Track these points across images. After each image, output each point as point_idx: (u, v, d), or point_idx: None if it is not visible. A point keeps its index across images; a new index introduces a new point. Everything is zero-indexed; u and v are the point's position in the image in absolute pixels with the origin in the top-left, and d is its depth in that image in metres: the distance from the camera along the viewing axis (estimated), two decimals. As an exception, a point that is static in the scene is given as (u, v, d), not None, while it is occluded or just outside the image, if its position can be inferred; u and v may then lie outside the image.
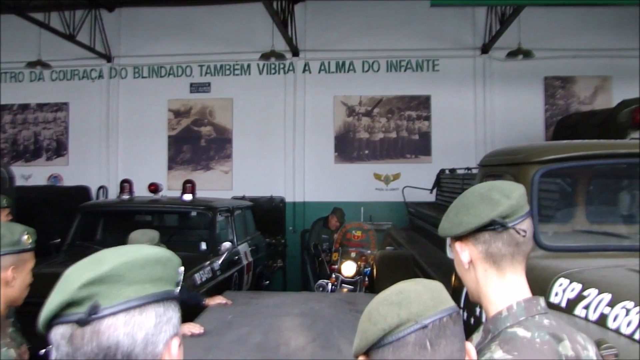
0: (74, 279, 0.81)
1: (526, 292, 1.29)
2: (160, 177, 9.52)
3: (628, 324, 1.97)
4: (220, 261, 5.86)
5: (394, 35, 10.01)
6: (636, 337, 1.91)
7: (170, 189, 9.25)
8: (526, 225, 1.30)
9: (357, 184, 10.02)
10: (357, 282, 6.97)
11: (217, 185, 10.08)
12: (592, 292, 2.22)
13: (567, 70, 9.89)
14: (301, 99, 10.19)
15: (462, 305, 3.15)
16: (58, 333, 0.82)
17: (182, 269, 0.92)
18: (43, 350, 0.85)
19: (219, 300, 4.32)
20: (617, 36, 9.37)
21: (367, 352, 0.98)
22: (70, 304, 0.81)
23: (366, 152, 10.24)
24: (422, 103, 10.15)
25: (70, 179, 10.30)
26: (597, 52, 9.58)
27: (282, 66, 10.25)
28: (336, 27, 10.14)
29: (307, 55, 10.22)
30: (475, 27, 9.98)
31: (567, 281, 2.39)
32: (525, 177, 2.84)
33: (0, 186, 5.36)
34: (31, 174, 10.47)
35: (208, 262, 5.63)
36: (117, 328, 0.81)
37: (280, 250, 9.60)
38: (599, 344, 1.33)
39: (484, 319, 1.34)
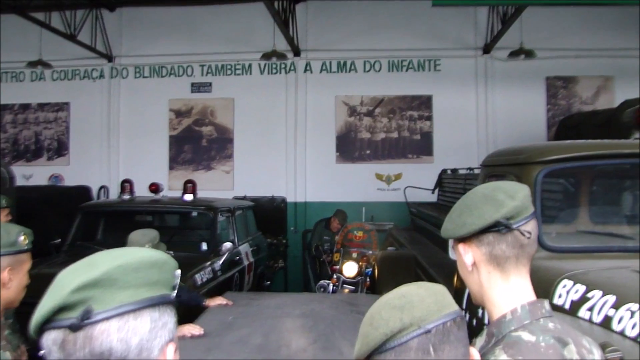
0: (66, 282, 0.79)
1: (531, 295, 1.26)
2: (161, 177, 9.51)
3: (633, 327, 1.94)
4: (221, 261, 5.84)
5: (395, 35, 9.99)
6: (641, 339, 1.88)
7: (172, 189, 9.23)
8: (531, 226, 1.27)
9: (359, 184, 10.00)
10: (358, 282, 6.96)
11: (218, 186, 10.06)
12: (596, 293, 2.19)
13: (569, 70, 9.86)
14: (302, 98, 10.17)
15: (464, 306, 3.12)
16: (50, 338, 0.80)
17: (178, 272, 0.90)
18: (42, 351, 0.82)
19: (219, 301, 4.30)
20: (619, 36, 9.34)
21: (368, 357, 0.95)
22: (62, 309, 0.78)
23: (368, 152, 10.22)
24: (424, 103, 10.13)
25: (71, 179, 10.28)
26: (599, 52, 9.56)
27: (283, 66, 10.23)
28: (337, 27, 10.13)
29: (309, 55, 10.20)
30: (477, 26, 9.96)
31: (570, 283, 2.37)
32: (528, 177, 2.82)
33: (0, 186, 5.34)
34: (32, 174, 10.47)
35: (209, 263, 5.61)
36: (111, 334, 0.79)
37: (282, 250, 9.59)
38: (603, 347, 1.31)
39: (486, 321, 1.32)
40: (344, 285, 6.95)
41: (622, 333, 1.97)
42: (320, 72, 10.24)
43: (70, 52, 10.00)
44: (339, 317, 3.85)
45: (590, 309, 2.17)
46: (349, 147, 10.24)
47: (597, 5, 8.98)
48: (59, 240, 5.97)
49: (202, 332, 3.46)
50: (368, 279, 6.84)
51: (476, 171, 5.82)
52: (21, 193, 6.32)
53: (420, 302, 0.94)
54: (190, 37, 10.24)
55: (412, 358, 0.91)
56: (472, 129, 9.91)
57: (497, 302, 1.26)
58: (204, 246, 5.98)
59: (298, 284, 9.53)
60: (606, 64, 9.67)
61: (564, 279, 2.42)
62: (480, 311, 2.88)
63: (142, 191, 7.14)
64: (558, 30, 9.65)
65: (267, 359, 3.05)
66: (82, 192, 9.58)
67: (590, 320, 2.15)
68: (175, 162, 10.47)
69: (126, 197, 6.70)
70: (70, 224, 6.23)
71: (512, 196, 1.26)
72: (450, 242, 1.40)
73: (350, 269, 7.03)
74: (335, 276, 7.01)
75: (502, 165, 3.24)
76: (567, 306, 2.31)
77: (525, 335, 1.16)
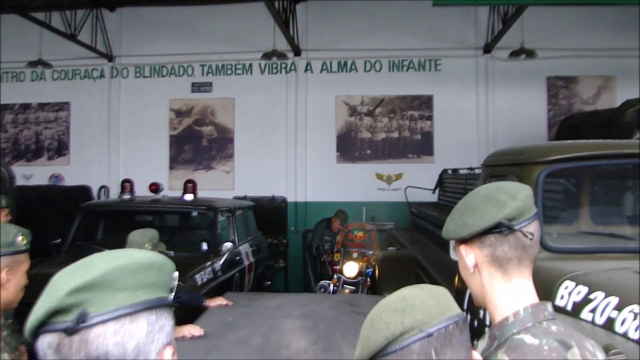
0: (61, 285, 0.77)
1: (533, 297, 1.25)
2: (162, 177, 9.50)
3: (636, 329, 1.92)
4: (221, 262, 5.83)
5: (396, 35, 9.98)
6: (644, 341, 1.86)
7: (172, 189, 9.22)
8: (533, 227, 1.26)
9: (359, 184, 9.99)
10: (359, 282, 6.94)
11: (218, 185, 10.05)
12: (598, 295, 2.17)
13: (570, 70, 9.85)
14: (303, 98, 10.16)
15: (465, 307, 3.11)
16: (45, 342, 0.78)
17: (176, 274, 0.88)
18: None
19: (219, 301, 4.29)
20: (620, 36, 9.32)
21: (369, 361, 0.94)
22: (57, 312, 0.77)
23: (368, 152, 10.21)
24: (425, 103, 10.12)
25: (71, 179, 10.27)
26: (600, 52, 9.54)
27: (283, 66, 10.22)
28: (338, 27, 10.12)
29: (309, 54, 10.19)
30: (477, 26, 9.94)
31: (572, 284, 2.35)
32: (530, 177, 2.80)
33: (0, 186, 5.33)
34: (32, 174, 10.46)
35: (209, 263, 5.59)
36: (107, 337, 0.77)
37: (282, 250, 9.58)
38: (607, 350, 1.29)
39: (487, 322, 1.31)
40: (345, 285, 6.94)
41: (625, 335, 1.96)
42: (321, 71, 10.23)
43: (71, 51, 9.99)
44: (339, 317, 3.83)
45: (593, 311, 2.15)
46: (350, 147, 10.23)
47: (598, 5, 8.97)
48: (59, 240, 5.96)
49: (202, 332, 3.45)
50: (368, 279, 6.83)
51: (477, 171, 5.82)
52: (21, 193, 6.32)
53: (421, 305, 0.93)
54: (190, 36, 10.23)
55: (414, 362, 0.90)
56: (472, 128, 9.90)
57: (499, 304, 1.25)
58: (204, 246, 5.97)
59: (298, 284, 9.52)
60: (607, 63, 9.65)
61: (565, 280, 2.41)
62: (481, 312, 2.86)
63: (142, 191, 7.13)
64: (559, 30, 9.64)
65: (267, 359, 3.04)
66: (83, 192, 9.57)
67: (592, 322, 2.13)
68: (175, 162, 10.46)
69: (126, 197, 6.69)
70: (70, 224, 6.21)
71: (514, 197, 1.25)
72: (452, 243, 1.38)
73: (350, 269, 7.02)
74: (335, 276, 7.00)
75: (503, 166, 3.22)
76: (569, 307, 2.29)
77: (528, 338, 1.14)
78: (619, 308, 2.05)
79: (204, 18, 10.24)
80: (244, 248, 6.89)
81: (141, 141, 10.39)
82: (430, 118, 10.11)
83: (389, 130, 10.19)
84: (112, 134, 10.44)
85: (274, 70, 10.30)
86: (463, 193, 6.19)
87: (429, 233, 6.61)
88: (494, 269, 1.26)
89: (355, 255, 7.34)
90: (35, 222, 6.63)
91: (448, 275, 4.07)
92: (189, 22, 10.27)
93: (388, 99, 10.17)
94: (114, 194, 9.75)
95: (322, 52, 10.13)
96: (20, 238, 1.81)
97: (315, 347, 3.20)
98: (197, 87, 10.43)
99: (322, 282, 7.02)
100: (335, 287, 6.84)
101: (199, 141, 10.44)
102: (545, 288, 2.36)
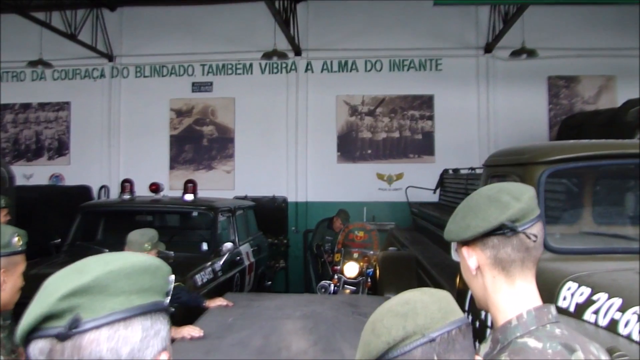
0: (53, 289, 0.75)
1: (537, 300, 1.23)
2: (162, 176, 9.50)
3: (640, 331, 1.90)
4: (221, 262, 5.81)
5: (396, 35, 9.96)
6: (648, 343, 1.84)
7: (172, 189, 9.22)
8: (537, 229, 1.23)
9: (360, 184, 9.98)
10: (359, 283, 6.92)
11: (219, 185, 10.04)
12: (601, 296, 2.15)
13: (571, 69, 9.83)
14: (303, 98, 10.15)
15: (467, 308, 3.08)
16: (36, 348, 0.76)
17: (172, 277, 0.86)
18: None
19: (219, 302, 4.27)
20: (621, 35, 9.30)
21: (370, 366, 0.92)
22: (49, 317, 0.74)
23: (369, 151, 10.19)
24: (425, 102, 10.10)
25: (71, 179, 10.27)
26: (601, 52, 9.53)
27: (284, 65, 10.21)
28: (338, 26, 10.10)
29: (310, 54, 10.18)
30: (478, 26, 9.92)
31: (575, 285, 2.33)
32: (532, 177, 2.78)
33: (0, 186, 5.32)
34: (32, 174, 10.45)
35: (209, 263, 5.58)
36: (100, 343, 0.75)
37: (283, 250, 9.57)
38: (611, 352, 1.27)
39: (489, 323, 1.29)
40: (345, 285, 6.92)
41: (628, 337, 1.94)
42: (322, 71, 10.22)
43: (71, 51, 9.98)
44: (340, 318, 3.81)
45: (596, 312, 2.13)
46: (350, 147, 10.21)
47: (599, 5, 8.96)
48: (59, 240, 5.95)
49: (201, 333, 3.43)
50: (369, 280, 6.81)
51: (478, 171, 5.79)
52: (21, 193, 6.30)
53: (424, 309, 0.91)
54: (191, 36, 10.22)
55: (416, 367, 0.88)
56: (473, 128, 9.88)
57: (502, 307, 1.22)
58: (205, 246, 5.95)
59: (299, 284, 9.51)
60: (608, 63, 9.64)
61: (568, 281, 2.39)
62: (483, 313, 2.84)
63: (142, 191, 7.12)
64: (560, 30, 9.62)
65: (267, 360, 3.02)
66: (83, 191, 9.57)
67: (595, 324, 2.11)
68: (175, 161, 10.45)
69: (126, 197, 6.68)
70: (70, 224, 6.20)
71: (517, 198, 1.23)
72: (454, 245, 1.36)
73: (351, 269, 7.00)
74: (336, 277, 6.98)
75: (505, 166, 3.20)
76: (572, 309, 2.27)
77: (532, 342, 1.12)
78: (622, 309, 2.03)
79: (205, 18, 10.23)
80: (245, 248, 6.87)
81: (141, 141, 10.38)
82: (431, 118, 10.09)
83: (389, 130, 10.17)
84: (113, 133, 10.43)
85: (275, 70, 10.28)
86: (464, 193, 6.19)
87: (429, 233, 6.59)
88: (497, 271, 1.24)
89: (356, 255, 7.32)
90: (35, 222, 6.65)
91: (449, 276, 4.05)
92: (190, 22, 10.26)
93: (389, 98, 10.15)
94: (114, 193, 9.74)
95: (323, 52, 10.11)
96: (16, 239, 1.79)
97: (316, 348, 3.18)
98: (197, 87, 10.42)
99: (323, 282, 7.00)
100: (335, 288, 6.82)
101: (199, 141, 10.43)
102: (548, 289, 2.34)
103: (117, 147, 10.44)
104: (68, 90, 10.58)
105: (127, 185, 6.73)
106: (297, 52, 10.01)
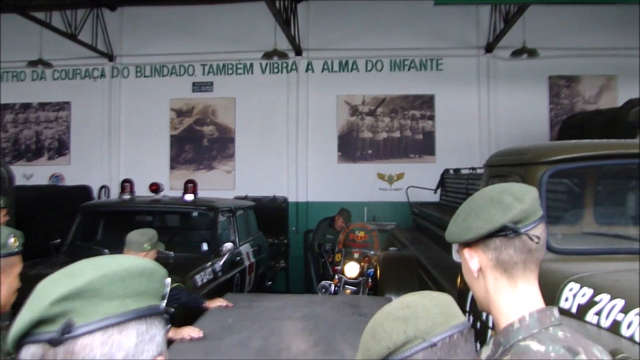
0: (46, 293, 0.74)
1: (539, 302, 1.21)
2: (162, 176, 9.49)
3: (643, 332, 1.88)
4: (221, 262, 5.80)
5: (397, 34, 9.95)
6: (651, 345, 1.82)
7: (172, 189, 9.21)
8: (539, 230, 1.22)
9: (361, 184, 9.96)
10: (360, 283, 6.90)
11: (219, 185, 10.03)
12: (604, 297, 2.13)
13: (571, 69, 9.82)
14: (304, 98, 10.13)
15: (467, 309, 3.07)
16: (28, 353, 0.74)
17: (168, 280, 0.85)
18: None
19: (219, 302, 4.26)
20: (622, 35, 9.28)
21: (370, 371, 0.90)
22: (41, 322, 0.73)
23: (369, 151, 10.18)
24: (426, 102, 10.08)
25: (72, 179, 10.26)
26: (602, 51, 9.51)
27: (284, 65, 10.19)
28: (339, 26, 10.09)
29: (310, 54, 10.16)
30: (479, 26, 9.91)
31: (577, 286, 2.31)
32: (533, 177, 2.76)
33: (-1, 186, 5.30)
34: (33, 174, 10.45)
35: (209, 263, 5.57)
36: (94, 348, 0.73)
37: (283, 250, 9.54)
38: (614, 354, 1.25)
39: (490, 324, 1.27)
40: (346, 286, 6.90)
41: (631, 338, 1.92)
42: (322, 71, 10.20)
43: (71, 51, 9.97)
44: (340, 319, 3.80)
45: (598, 313, 2.12)
46: (351, 147, 10.20)
47: (599, 4, 8.94)
48: (59, 240, 5.94)
49: (201, 334, 3.42)
50: (370, 280, 6.79)
51: (479, 171, 5.78)
52: (21, 193, 6.29)
53: (425, 313, 0.89)
54: (191, 36, 10.21)
55: (417, 372, 0.86)
56: (474, 128, 9.87)
57: (504, 309, 1.21)
58: (205, 246, 5.94)
59: (300, 284, 9.50)
60: (609, 63, 9.62)
61: (570, 281, 2.37)
62: (484, 314, 2.83)
63: (142, 191, 7.11)
64: (561, 29, 9.60)
65: (267, 362, 3.01)
66: (83, 191, 9.56)
67: (598, 325, 2.09)
68: (176, 161, 10.44)
69: (126, 197, 6.67)
70: (70, 224, 6.19)
71: (520, 199, 1.21)
72: (455, 246, 1.34)
73: (351, 269, 6.98)
74: (336, 277, 6.97)
75: (506, 166, 3.18)
76: (574, 310, 2.25)
77: (534, 345, 1.11)
78: (625, 310, 2.01)
79: (205, 17, 10.22)
80: (245, 248, 6.86)
81: (142, 141, 10.37)
82: (431, 118, 10.07)
83: (390, 130, 10.16)
84: (113, 133, 10.42)
85: (275, 70, 10.27)
86: (465, 193, 6.17)
87: (430, 233, 6.58)
88: (499, 273, 1.22)
89: (356, 255, 7.30)
90: (35, 222, 6.64)
91: (450, 276, 4.04)
92: (190, 22, 10.24)
93: (389, 98, 10.14)
94: (115, 193, 9.73)
95: (323, 52, 10.10)
96: (12, 240, 1.77)
97: (316, 349, 3.16)
98: (198, 87, 10.41)
99: (323, 282, 6.98)
100: (336, 288, 6.80)
101: (199, 141, 10.42)
102: (550, 290, 2.32)
103: (117, 147, 10.43)
104: (68, 90, 10.57)
105: (127, 185, 6.72)
106: (298, 52, 10.00)
